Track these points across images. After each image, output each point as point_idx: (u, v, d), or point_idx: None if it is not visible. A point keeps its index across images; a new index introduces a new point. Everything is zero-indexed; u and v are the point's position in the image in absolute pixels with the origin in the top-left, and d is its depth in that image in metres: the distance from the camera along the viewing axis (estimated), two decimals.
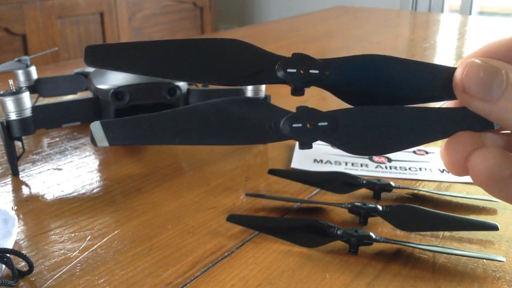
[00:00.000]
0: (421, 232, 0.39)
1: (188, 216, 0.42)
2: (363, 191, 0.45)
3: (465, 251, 0.36)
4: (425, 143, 0.20)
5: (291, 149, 0.54)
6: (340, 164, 0.51)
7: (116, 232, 0.40)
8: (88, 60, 0.19)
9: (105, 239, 0.39)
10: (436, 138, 0.20)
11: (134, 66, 0.19)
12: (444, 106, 0.21)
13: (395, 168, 0.50)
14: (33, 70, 0.62)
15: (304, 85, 0.20)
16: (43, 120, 0.50)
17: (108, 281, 0.34)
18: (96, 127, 0.19)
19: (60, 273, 0.35)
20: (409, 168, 0.50)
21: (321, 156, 0.53)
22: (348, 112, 0.20)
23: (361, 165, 0.51)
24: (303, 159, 0.52)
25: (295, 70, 0.20)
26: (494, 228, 0.38)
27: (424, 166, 0.51)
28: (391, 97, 0.21)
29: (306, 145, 0.20)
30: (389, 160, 0.52)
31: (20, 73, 0.62)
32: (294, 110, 0.21)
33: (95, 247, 0.38)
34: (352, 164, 0.51)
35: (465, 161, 0.19)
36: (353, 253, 0.37)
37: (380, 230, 0.39)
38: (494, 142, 0.20)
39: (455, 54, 1.03)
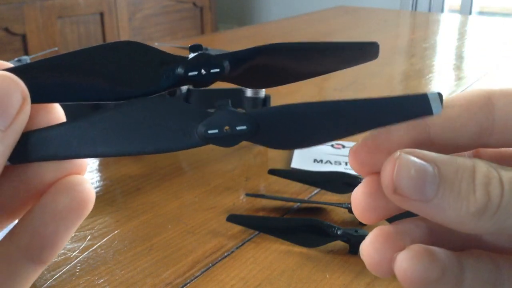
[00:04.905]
0: None
1: (188, 216, 0.42)
2: None
3: None
4: (353, 135, 0.19)
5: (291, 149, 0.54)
6: (340, 164, 0.51)
7: (116, 232, 0.40)
8: None
9: (105, 239, 0.39)
10: (364, 130, 0.19)
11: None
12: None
13: None
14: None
15: (207, 84, 0.20)
16: None
17: (108, 281, 0.34)
18: None
19: (60, 273, 0.35)
20: None
21: (321, 156, 0.53)
22: (269, 113, 0.19)
23: None
24: (303, 159, 0.52)
25: (196, 73, 0.20)
26: None
27: None
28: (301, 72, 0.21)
29: (228, 146, 0.19)
30: None
31: None
32: None
33: (95, 247, 0.38)
34: None
35: (389, 263, 0.18)
36: (353, 253, 0.37)
37: None
38: (415, 234, 0.19)
39: (455, 54, 1.03)
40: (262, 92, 0.54)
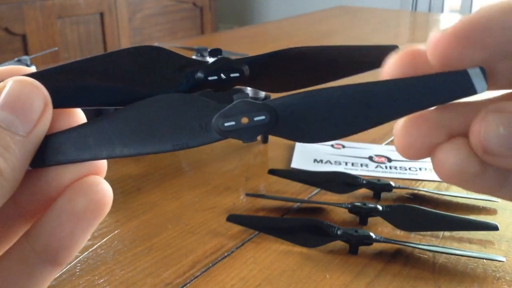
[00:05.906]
0: (421, 232, 0.39)
1: (188, 216, 0.42)
2: (363, 191, 0.45)
3: (465, 251, 0.36)
4: (385, 122, 0.17)
5: (291, 149, 0.54)
6: (340, 164, 0.51)
7: (116, 232, 0.40)
8: None
9: (105, 239, 0.39)
10: (397, 116, 0.17)
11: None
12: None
13: (395, 168, 0.50)
14: (33, 70, 0.62)
15: (226, 88, 0.20)
16: None
17: (108, 281, 0.34)
18: None
19: (60, 273, 0.35)
20: (409, 168, 0.50)
21: (321, 156, 0.53)
22: (289, 101, 0.17)
23: (361, 165, 0.51)
24: (303, 159, 0.52)
25: (216, 77, 0.20)
26: (494, 228, 0.38)
27: (424, 166, 0.51)
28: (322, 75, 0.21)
29: (248, 140, 0.18)
30: (389, 160, 0.52)
31: None
32: None
33: (95, 247, 0.38)
34: (352, 164, 0.51)
35: (427, 151, 0.17)
36: (353, 253, 0.37)
37: (380, 230, 0.39)
38: (458, 127, 0.17)
39: None
40: (262, 92, 0.54)
